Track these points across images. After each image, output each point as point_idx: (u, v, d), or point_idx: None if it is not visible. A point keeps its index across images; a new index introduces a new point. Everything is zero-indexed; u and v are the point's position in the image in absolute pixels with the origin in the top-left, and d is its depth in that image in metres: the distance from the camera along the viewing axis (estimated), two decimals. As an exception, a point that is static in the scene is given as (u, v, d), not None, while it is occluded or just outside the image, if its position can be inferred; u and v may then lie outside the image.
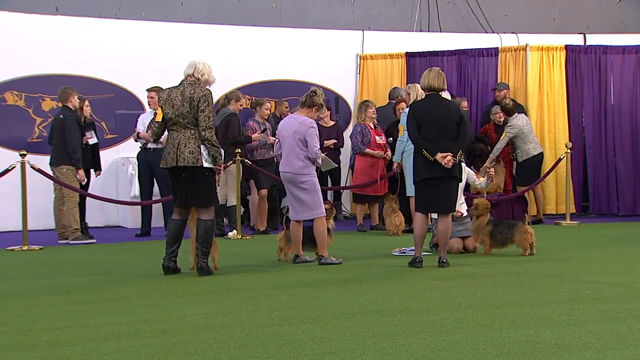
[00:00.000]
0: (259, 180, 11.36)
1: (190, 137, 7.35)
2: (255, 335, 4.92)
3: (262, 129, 11.41)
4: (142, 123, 11.29)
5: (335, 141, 12.20)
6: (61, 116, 10.49)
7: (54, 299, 6.33)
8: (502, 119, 12.42)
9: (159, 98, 7.63)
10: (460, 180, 8.14)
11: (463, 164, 9.35)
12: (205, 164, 7.37)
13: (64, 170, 10.42)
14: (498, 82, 13.22)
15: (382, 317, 5.41)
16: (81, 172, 10.49)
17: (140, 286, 6.94)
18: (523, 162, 12.24)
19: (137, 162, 11.49)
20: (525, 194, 12.21)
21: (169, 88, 7.51)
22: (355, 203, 12.03)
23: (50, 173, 10.48)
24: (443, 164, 7.68)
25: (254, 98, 11.61)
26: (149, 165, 11.05)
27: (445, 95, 11.00)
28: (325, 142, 12.05)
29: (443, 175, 7.76)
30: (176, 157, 7.32)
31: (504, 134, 12.14)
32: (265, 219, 11.51)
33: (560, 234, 11.01)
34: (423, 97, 8.42)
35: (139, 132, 11.21)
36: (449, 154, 7.70)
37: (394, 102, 11.99)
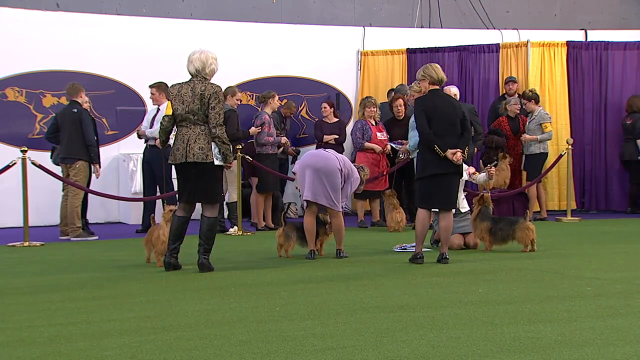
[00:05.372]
0: (266, 182, 11.31)
1: (200, 133, 7.31)
2: (256, 331, 4.92)
3: (271, 122, 11.38)
4: (147, 119, 11.29)
5: (337, 136, 12.21)
6: (75, 110, 10.44)
7: (55, 295, 6.33)
8: (519, 110, 12.30)
9: (169, 93, 7.59)
10: (462, 176, 8.14)
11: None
12: (216, 162, 7.34)
13: (77, 165, 10.39)
14: (500, 78, 13.21)
15: (383, 313, 5.41)
16: (98, 166, 10.49)
17: (142, 282, 6.95)
18: (536, 154, 12.08)
19: (141, 159, 11.46)
20: (527, 190, 12.18)
21: (179, 84, 7.45)
22: (356, 199, 12.03)
23: (51, 169, 10.46)
24: (454, 159, 7.66)
25: (255, 95, 11.60)
26: (150, 162, 11.04)
27: (454, 90, 11.04)
28: (325, 137, 12.08)
29: (450, 171, 7.75)
30: (185, 153, 7.30)
31: (548, 124, 11.94)
32: (269, 215, 11.53)
33: (561, 231, 11.00)
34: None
35: (138, 130, 11.19)
36: (459, 150, 7.70)
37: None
